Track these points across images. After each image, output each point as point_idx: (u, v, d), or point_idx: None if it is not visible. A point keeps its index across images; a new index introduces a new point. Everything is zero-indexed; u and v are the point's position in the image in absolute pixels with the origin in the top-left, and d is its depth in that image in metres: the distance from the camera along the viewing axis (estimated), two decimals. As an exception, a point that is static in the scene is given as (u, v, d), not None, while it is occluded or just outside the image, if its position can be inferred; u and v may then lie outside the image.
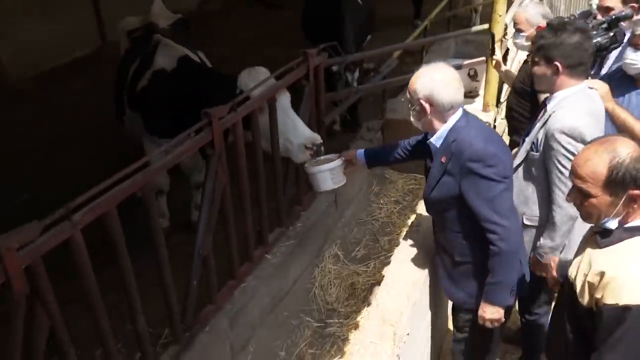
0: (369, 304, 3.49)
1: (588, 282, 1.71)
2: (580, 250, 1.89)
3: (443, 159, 2.25)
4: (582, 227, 2.51)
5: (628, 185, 1.64)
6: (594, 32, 2.73)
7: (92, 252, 2.16)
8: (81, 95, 6.95)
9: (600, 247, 1.73)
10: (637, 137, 2.57)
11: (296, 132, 3.08)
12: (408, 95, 2.34)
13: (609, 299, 1.62)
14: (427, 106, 2.23)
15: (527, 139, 2.56)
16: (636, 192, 1.65)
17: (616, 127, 2.66)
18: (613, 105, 2.65)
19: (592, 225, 1.83)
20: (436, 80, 2.21)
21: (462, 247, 2.36)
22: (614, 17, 2.83)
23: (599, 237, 1.75)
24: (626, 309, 1.58)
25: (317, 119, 3.76)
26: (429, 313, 2.79)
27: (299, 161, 3.12)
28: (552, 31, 2.38)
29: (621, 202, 1.66)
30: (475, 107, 4.88)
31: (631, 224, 1.70)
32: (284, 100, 3.17)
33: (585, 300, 1.73)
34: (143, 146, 4.04)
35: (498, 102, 4.71)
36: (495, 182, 2.17)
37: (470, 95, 6.23)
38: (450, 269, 2.48)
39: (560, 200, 2.41)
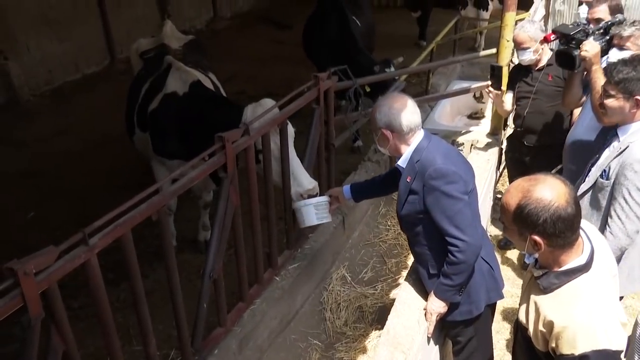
0: (377, 328, 3.49)
1: (540, 330, 1.72)
2: (523, 294, 1.89)
3: (408, 179, 2.39)
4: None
5: (528, 229, 1.64)
6: (593, 38, 2.93)
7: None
8: (90, 112, 7.03)
9: (544, 293, 1.73)
10: (595, 101, 2.75)
11: (295, 181, 3.19)
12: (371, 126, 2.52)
13: (565, 349, 1.63)
14: (388, 133, 2.39)
15: (594, 167, 2.61)
16: (535, 237, 1.64)
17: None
18: (596, 67, 2.84)
19: (530, 269, 1.84)
20: (393, 108, 2.36)
21: (433, 260, 2.50)
22: (609, 22, 3.05)
23: (538, 281, 1.74)
24: (584, 357, 1.60)
25: (326, 141, 3.79)
26: (440, 338, 2.78)
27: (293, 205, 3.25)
28: (630, 65, 2.43)
29: (527, 242, 1.66)
30: (481, 130, 4.91)
31: (565, 267, 1.70)
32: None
33: (540, 346, 1.76)
34: (151, 166, 4.07)
35: (505, 125, 4.73)
36: (455, 199, 2.29)
37: (476, 116, 6.29)
38: (427, 280, 2.59)
39: (616, 230, 2.45)
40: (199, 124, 3.51)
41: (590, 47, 2.87)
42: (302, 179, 3.19)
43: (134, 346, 3.42)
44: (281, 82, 7.59)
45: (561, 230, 1.61)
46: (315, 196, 3.11)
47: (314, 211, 2.96)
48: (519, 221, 1.65)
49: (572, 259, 1.69)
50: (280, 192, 3.32)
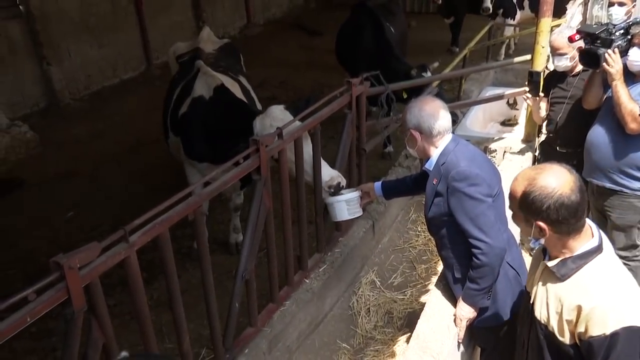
0: (405, 333, 3.48)
1: (566, 320, 1.72)
2: (537, 293, 1.88)
3: (434, 181, 2.42)
4: None
5: (533, 215, 1.70)
6: (614, 37, 2.97)
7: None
8: (126, 115, 7.25)
9: (562, 281, 1.75)
10: (621, 112, 2.93)
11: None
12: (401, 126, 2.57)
13: (595, 331, 1.64)
14: (416, 134, 2.42)
15: None
16: (540, 223, 1.70)
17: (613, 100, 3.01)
18: (617, 82, 2.95)
19: (543, 260, 1.86)
20: (423, 110, 2.40)
21: (458, 264, 2.50)
22: (630, 22, 3.06)
23: (556, 270, 1.76)
24: (614, 335, 1.61)
25: (357, 146, 3.82)
26: (470, 345, 2.76)
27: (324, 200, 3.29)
28: None
29: (533, 228, 1.73)
30: (515, 137, 4.86)
31: (579, 251, 1.74)
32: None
33: (567, 338, 1.74)
34: (184, 169, 4.16)
35: (539, 132, 4.67)
36: (478, 201, 2.29)
37: (509, 123, 6.22)
38: (453, 285, 2.60)
39: None
40: (220, 128, 3.60)
41: (614, 63, 2.93)
42: (325, 173, 3.20)
43: (167, 344, 3.49)
44: (312, 88, 7.66)
45: (565, 216, 1.66)
46: (340, 187, 3.14)
47: (346, 206, 3.00)
48: (524, 208, 1.72)
49: (584, 243, 1.74)
50: (311, 196, 3.37)
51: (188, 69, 4.28)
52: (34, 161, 6.17)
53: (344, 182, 3.20)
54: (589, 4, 6.17)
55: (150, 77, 8.62)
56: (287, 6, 12.75)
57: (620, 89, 2.94)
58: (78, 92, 7.85)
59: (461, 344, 2.62)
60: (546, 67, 4.27)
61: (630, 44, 2.98)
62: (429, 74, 4.85)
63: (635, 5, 3.73)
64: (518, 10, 7.92)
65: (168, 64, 5.42)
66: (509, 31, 8.11)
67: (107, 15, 8.13)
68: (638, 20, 3.07)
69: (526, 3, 7.84)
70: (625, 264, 3.31)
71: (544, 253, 1.86)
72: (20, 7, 7.00)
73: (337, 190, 3.12)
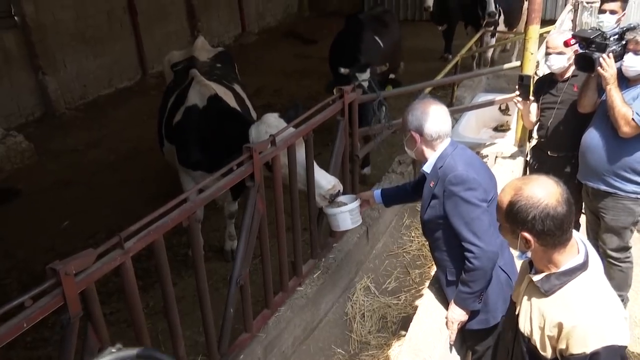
0: (400, 337, 3.50)
1: (547, 335, 1.72)
2: (521, 305, 1.88)
3: (431, 184, 2.45)
4: None
5: (519, 225, 1.68)
6: (608, 42, 3.04)
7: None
8: (122, 124, 7.28)
9: (546, 296, 1.73)
10: (614, 116, 3.01)
11: (317, 184, 3.24)
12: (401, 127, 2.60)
13: (576, 349, 1.63)
14: (416, 136, 2.44)
15: None
16: (525, 234, 1.68)
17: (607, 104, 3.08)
18: (611, 86, 3.02)
19: (528, 274, 1.85)
20: (425, 112, 2.42)
21: (452, 266, 2.53)
22: (624, 28, 3.12)
23: (540, 285, 1.75)
24: (595, 354, 1.61)
25: (350, 153, 3.86)
26: (463, 348, 2.79)
27: (318, 207, 3.33)
28: None
29: (518, 239, 1.71)
30: (506, 142, 4.91)
31: (564, 267, 1.72)
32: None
33: (548, 353, 1.75)
34: (179, 177, 4.19)
35: (530, 137, 4.72)
36: (474, 205, 2.32)
37: (501, 129, 6.28)
38: (445, 287, 2.63)
39: None
40: (214, 137, 3.63)
41: (608, 67, 2.99)
42: (320, 180, 3.23)
43: (162, 351, 3.51)
44: (306, 95, 7.73)
45: (550, 228, 1.65)
46: (337, 193, 3.17)
47: (350, 216, 3.04)
48: (510, 218, 1.71)
49: (569, 259, 1.72)
50: (305, 202, 3.40)
51: (182, 78, 4.32)
52: (30, 171, 6.19)
53: (341, 189, 3.25)
54: (579, 10, 6.27)
55: (145, 87, 8.68)
56: (282, 15, 12.86)
57: (614, 92, 3.01)
58: (73, 101, 7.90)
59: (453, 347, 2.65)
60: (535, 73, 4.34)
61: (624, 49, 3.04)
62: (365, 74, 4.87)
63: (625, 13, 3.81)
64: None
65: (163, 73, 5.46)
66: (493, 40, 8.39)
67: (102, 26, 8.19)
68: (632, 26, 3.13)
69: (501, 19, 8.21)
70: (616, 265, 3.37)
71: (531, 266, 1.86)
72: (16, 18, 7.05)
73: (336, 197, 3.16)
